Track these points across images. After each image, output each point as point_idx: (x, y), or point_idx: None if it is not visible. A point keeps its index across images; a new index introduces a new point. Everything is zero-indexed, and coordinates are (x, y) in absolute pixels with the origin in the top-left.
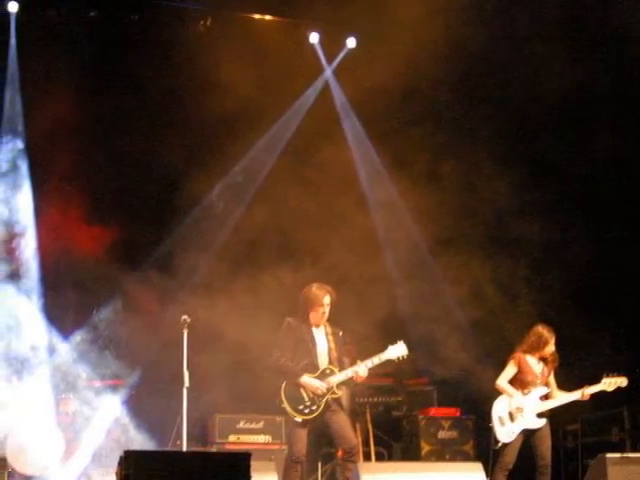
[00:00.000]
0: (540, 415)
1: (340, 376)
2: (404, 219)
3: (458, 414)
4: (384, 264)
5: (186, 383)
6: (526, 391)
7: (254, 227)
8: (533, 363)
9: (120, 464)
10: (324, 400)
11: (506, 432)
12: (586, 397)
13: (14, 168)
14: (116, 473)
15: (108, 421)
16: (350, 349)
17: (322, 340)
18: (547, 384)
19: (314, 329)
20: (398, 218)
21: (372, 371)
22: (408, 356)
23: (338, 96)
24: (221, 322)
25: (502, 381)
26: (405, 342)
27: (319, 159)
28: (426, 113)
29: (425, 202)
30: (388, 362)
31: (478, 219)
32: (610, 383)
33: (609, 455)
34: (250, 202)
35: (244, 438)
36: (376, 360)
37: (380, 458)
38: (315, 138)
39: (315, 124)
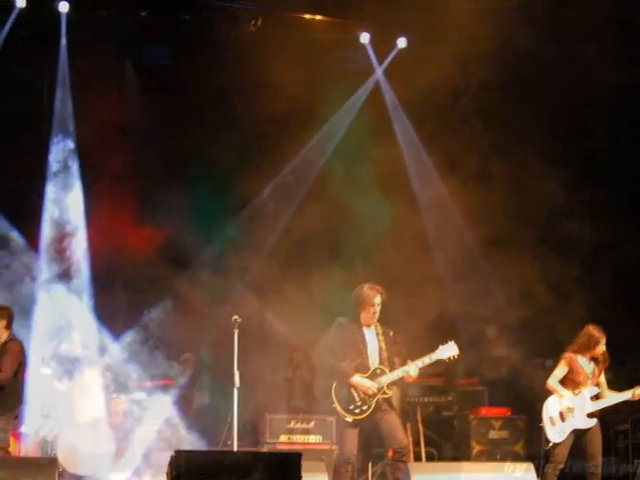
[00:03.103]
0: (591, 415)
1: (391, 376)
2: (454, 219)
3: (509, 414)
4: (434, 264)
5: (237, 383)
6: (577, 391)
7: (305, 227)
8: (584, 363)
9: (171, 464)
10: (375, 400)
11: (557, 432)
12: (637, 397)
13: (65, 168)
14: (167, 473)
15: (159, 421)
16: (400, 349)
17: (373, 340)
18: (598, 384)
19: (365, 329)
20: (448, 218)
21: (423, 371)
22: (459, 356)
23: (389, 96)
24: (272, 322)
25: (553, 381)
26: (455, 342)
27: (370, 159)
28: (476, 113)
29: (475, 202)
30: (439, 362)
31: (528, 219)
32: None
33: None
34: (301, 202)
35: (295, 438)
36: (427, 360)
37: (430, 458)
38: (366, 138)
39: (366, 124)
